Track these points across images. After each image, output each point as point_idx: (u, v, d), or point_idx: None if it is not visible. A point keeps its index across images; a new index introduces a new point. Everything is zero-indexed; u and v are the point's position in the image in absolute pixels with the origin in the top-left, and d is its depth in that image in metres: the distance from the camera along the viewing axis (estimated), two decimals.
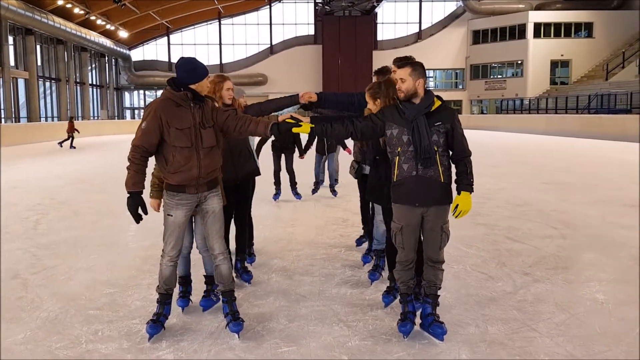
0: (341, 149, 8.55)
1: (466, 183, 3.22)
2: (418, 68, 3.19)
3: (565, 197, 8.28)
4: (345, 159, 7.49)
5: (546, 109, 31.72)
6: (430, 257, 3.30)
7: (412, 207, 3.21)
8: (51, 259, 5.07)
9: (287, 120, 3.21)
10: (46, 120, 31.11)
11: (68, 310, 3.75)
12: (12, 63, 27.08)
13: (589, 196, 8.35)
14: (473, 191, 3.23)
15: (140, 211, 3.13)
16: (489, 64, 40.77)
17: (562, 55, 37.60)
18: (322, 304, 3.84)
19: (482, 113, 41.53)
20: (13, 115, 26.84)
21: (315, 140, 8.01)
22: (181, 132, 3.08)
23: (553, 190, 9.06)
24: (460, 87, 42.95)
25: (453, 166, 3.30)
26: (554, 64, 38.20)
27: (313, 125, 3.25)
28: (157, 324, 3.28)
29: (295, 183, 8.12)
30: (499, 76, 40.63)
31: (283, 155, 8.03)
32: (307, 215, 7.15)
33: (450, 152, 3.27)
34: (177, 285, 3.71)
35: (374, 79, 4.20)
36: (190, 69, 3.13)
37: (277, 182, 8.07)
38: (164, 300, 3.39)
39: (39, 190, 9.71)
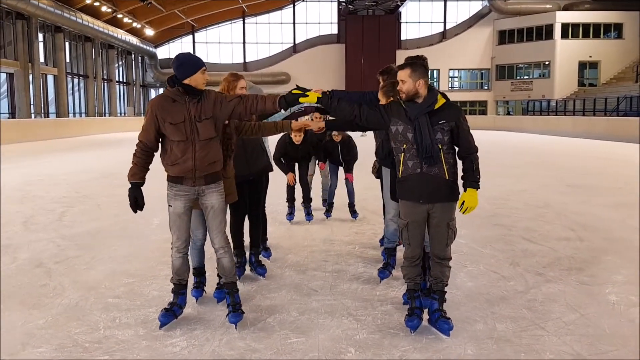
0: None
1: (472, 180, 3.23)
2: (418, 68, 3.23)
3: (587, 200, 8.17)
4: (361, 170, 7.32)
5: (573, 111, 31.16)
6: (437, 254, 3.33)
7: (417, 203, 3.26)
8: (74, 250, 5.25)
9: (293, 91, 3.28)
10: (74, 116, 31.86)
11: (88, 298, 3.90)
12: (41, 60, 27.80)
13: (610, 199, 8.23)
14: (479, 188, 3.24)
15: (137, 202, 3.30)
16: (515, 65, 40.24)
17: (590, 56, 36.89)
18: (333, 298, 3.91)
19: (508, 114, 41.00)
20: (42, 111, 27.56)
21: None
22: (175, 126, 3.21)
23: (574, 192, 8.95)
24: (486, 87, 42.48)
25: (460, 162, 3.33)
26: (582, 65, 37.49)
27: (320, 95, 3.32)
28: (169, 313, 3.40)
29: (310, 199, 6.55)
30: (526, 77, 40.06)
31: (297, 166, 6.53)
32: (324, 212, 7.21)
33: (457, 149, 3.30)
34: (192, 276, 3.84)
35: (380, 80, 4.24)
36: (179, 64, 3.24)
37: (291, 199, 6.47)
38: (178, 290, 3.50)
39: (65, 183, 10.00)
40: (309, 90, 3.34)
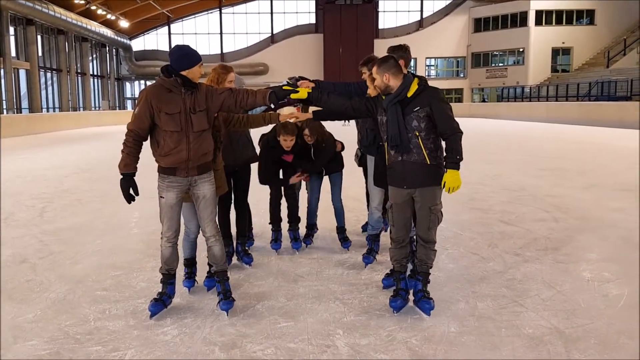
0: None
1: (451, 161, 3.24)
2: (383, 63, 3.32)
3: (560, 183, 8.41)
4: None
5: (547, 97, 31.75)
6: (421, 236, 3.44)
7: (400, 188, 3.38)
8: (57, 245, 5.24)
9: (283, 87, 3.33)
10: (47, 111, 31.25)
11: (76, 291, 3.92)
12: (13, 54, 27.16)
13: (583, 181, 8.49)
14: (459, 168, 3.25)
15: (132, 192, 3.29)
16: (490, 52, 40.72)
17: (563, 42, 37.55)
18: (320, 283, 4.00)
19: (483, 101, 41.53)
20: (15, 106, 26.97)
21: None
22: (170, 117, 3.22)
23: (548, 176, 9.20)
24: (462, 75, 42.92)
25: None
26: (556, 52, 38.16)
27: (310, 90, 3.38)
28: (159, 303, 3.45)
29: (298, 219, 4.96)
30: (500, 64, 40.58)
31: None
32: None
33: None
34: (183, 267, 3.89)
35: (361, 71, 4.28)
36: (180, 55, 3.25)
37: (276, 219, 4.86)
38: (167, 280, 3.55)
39: (43, 179, 9.87)
40: (299, 87, 3.41)
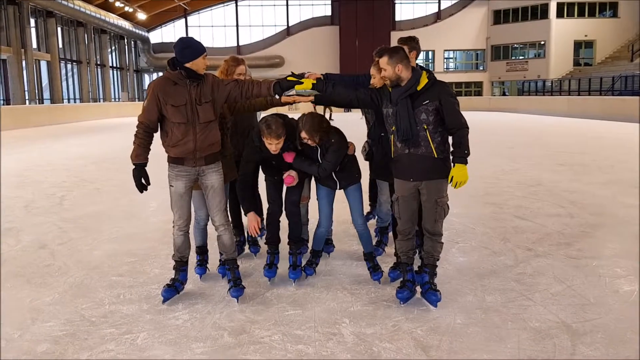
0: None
1: (459, 155, 3.26)
2: (395, 54, 3.29)
3: (578, 178, 8.32)
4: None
5: (569, 91, 31.23)
6: (427, 229, 3.46)
7: (407, 181, 3.39)
8: (76, 232, 5.37)
9: (288, 78, 3.36)
10: (68, 102, 31.74)
11: (92, 276, 4.03)
12: (34, 45, 27.61)
13: (601, 177, 8.38)
14: (467, 163, 3.27)
15: (143, 181, 3.39)
16: (510, 45, 40.16)
17: (585, 35, 36.85)
18: (329, 274, 4.05)
19: (503, 95, 41.02)
20: (37, 97, 27.45)
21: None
22: (176, 108, 3.30)
23: (567, 171, 9.10)
24: (481, 68, 42.43)
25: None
26: (578, 45, 37.47)
27: (315, 82, 3.40)
28: (171, 289, 3.54)
29: (301, 241, 4.13)
30: (521, 57, 40.01)
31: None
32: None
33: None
34: (196, 254, 3.97)
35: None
36: (183, 48, 3.30)
37: (272, 238, 4.00)
38: (179, 267, 3.63)
39: (63, 169, 10.08)
40: (304, 77, 3.43)
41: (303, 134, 3.59)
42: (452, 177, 3.26)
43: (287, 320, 3.22)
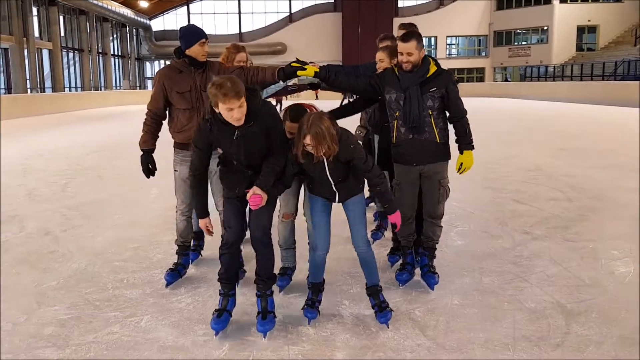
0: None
1: (467, 142, 3.42)
2: (420, 39, 3.35)
3: (577, 163, 8.35)
4: None
5: (571, 76, 31.08)
6: (429, 211, 3.51)
7: (409, 166, 3.43)
8: (79, 219, 5.44)
9: (292, 64, 3.40)
10: (70, 91, 31.73)
11: (96, 262, 4.10)
12: (36, 34, 27.55)
13: (600, 161, 8.40)
14: (474, 148, 3.44)
15: (150, 167, 3.52)
16: (512, 30, 39.86)
17: (589, 20, 36.53)
18: (329, 258, 4.07)
19: (505, 80, 40.81)
20: (38, 86, 27.46)
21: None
22: (181, 95, 3.40)
23: (566, 155, 9.12)
24: (483, 54, 42.18)
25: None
26: (581, 30, 37.18)
27: (318, 70, 3.41)
28: (174, 273, 3.61)
29: (272, 278, 3.08)
30: (524, 43, 39.74)
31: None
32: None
33: (447, 114, 3.45)
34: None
35: (378, 44, 4.32)
36: (181, 36, 3.40)
37: (228, 276, 3.04)
38: (182, 251, 3.70)
39: (65, 157, 10.14)
40: (308, 64, 3.46)
41: (308, 140, 2.74)
42: (462, 163, 3.40)
43: (287, 303, 3.29)
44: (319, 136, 2.71)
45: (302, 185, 3.38)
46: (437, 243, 3.62)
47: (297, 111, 3.12)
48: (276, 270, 3.23)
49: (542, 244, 4.36)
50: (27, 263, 4.11)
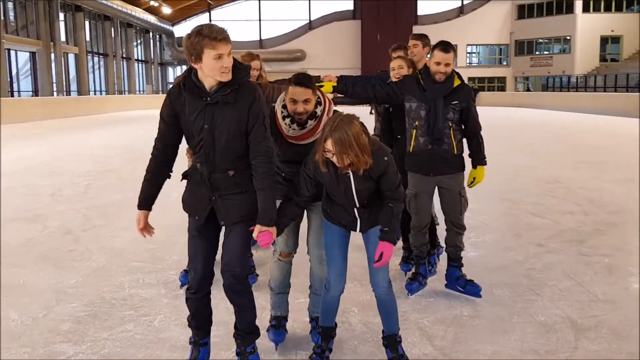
0: None
1: (481, 158, 3.53)
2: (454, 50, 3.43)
3: (597, 175, 8.25)
4: None
5: (594, 87, 30.67)
6: (453, 222, 3.53)
7: (426, 176, 3.46)
8: (99, 219, 5.58)
9: None
10: (95, 94, 32.37)
11: (114, 261, 4.21)
12: (62, 39, 28.20)
13: (620, 175, 8.29)
14: (487, 164, 3.53)
15: None
16: (534, 40, 39.52)
17: (612, 30, 36.03)
18: None
19: (527, 90, 40.42)
20: (64, 89, 28.08)
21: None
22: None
23: (586, 168, 9.02)
24: (505, 63, 41.86)
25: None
26: (604, 40, 36.70)
27: (335, 84, 3.46)
28: (189, 274, 3.67)
29: (254, 332, 2.65)
30: (545, 52, 39.36)
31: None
32: None
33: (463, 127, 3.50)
34: None
35: (391, 55, 4.32)
36: None
37: (199, 324, 2.64)
38: None
39: (89, 158, 10.38)
40: (323, 80, 3.52)
41: (329, 145, 2.32)
42: (474, 178, 3.50)
43: (297, 308, 3.34)
44: (344, 143, 2.27)
45: (305, 215, 2.85)
46: (463, 249, 3.64)
47: (305, 76, 2.62)
48: (265, 320, 2.90)
49: (556, 257, 4.33)
50: (49, 260, 4.24)
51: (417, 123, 3.42)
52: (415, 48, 4.09)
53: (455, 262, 3.59)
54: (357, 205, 2.55)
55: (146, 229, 2.60)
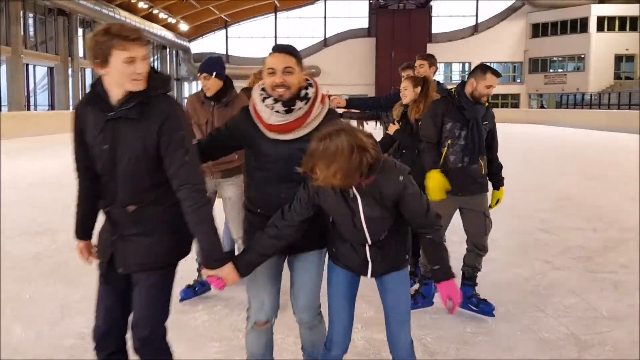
0: None
1: (502, 178, 3.60)
2: None
3: (607, 193, 8.17)
4: None
5: (608, 105, 30.47)
6: (476, 243, 3.49)
7: (453, 195, 3.40)
8: None
9: None
10: None
11: None
12: (80, 54, 28.80)
13: (631, 192, 8.19)
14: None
15: None
16: (548, 58, 39.44)
17: (627, 49, 35.85)
18: None
19: (541, 107, 40.24)
20: None
21: None
22: (197, 126, 3.51)
23: (597, 185, 8.94)
24: (519, 80, 41.77)
25: None
26: (619, 58, 36.51)
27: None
28: (189, 289, 3.71)
29: None
30: (560, 70, 39.24)
31: None
32: None
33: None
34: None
35: (402, 74, 4.38)
36: None
37: None
38: (200, 269, 3.80)
39: None
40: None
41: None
42: (498, 199, 3.57)
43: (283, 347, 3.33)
44: (328, 156, 1.80)
45: (287, 261, 2.27)
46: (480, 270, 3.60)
47: (286, 45, 2.20)
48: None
49: (562, 274, 4.29)
50: (57, 274, 4.29)
51: (449, 142, 3.38)
52: (422, 68, 4.14)
53: (469, 280, 3.57)
54: (369, 242, 2.04)
55: (92, 255, 2.19)
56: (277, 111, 2.06)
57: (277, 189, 2.11)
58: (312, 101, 2.12)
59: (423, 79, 3.87)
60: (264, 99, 2.10)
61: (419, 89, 3.78)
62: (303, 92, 2.11)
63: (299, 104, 2.08)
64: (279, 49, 2.12)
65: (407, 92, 3.82)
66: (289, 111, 2.06)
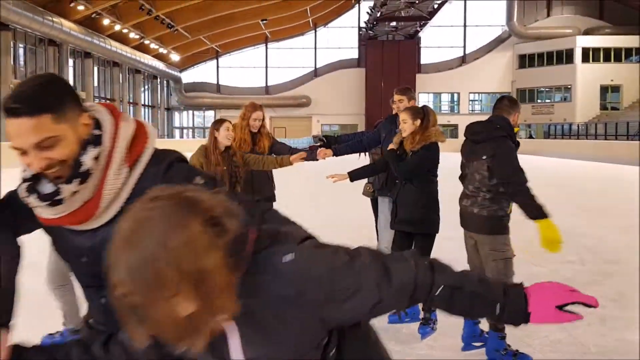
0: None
1: None
2: None
3: (596, 222, 8.20)
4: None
5: (595, 135, 30.91)
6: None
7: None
8: None
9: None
10: None
11: None
12: (70, 84, 28.87)
13: (620, 222, 8.23)
14: None
15: None
16: (535, 88, 40.17)
17: (612, 80, 36.66)
18: None
19: (530, 137, 40.77)
20: None
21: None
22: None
23: (585, 215, 8.96)
24: None
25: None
26: (604, 89, 37.27)
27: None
28: None
29: None
30: (547, 101, 39.93)
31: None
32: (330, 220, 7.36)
33: None
34: None
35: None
36: None
37: None
38: None
39: None
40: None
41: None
42: None
43: None
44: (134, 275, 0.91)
45: None
46: None
47: (22, 96, 1.24)
48: None
49: None
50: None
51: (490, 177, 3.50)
52: (401, 103, 4.09)
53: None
54: None
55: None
56: (41, 205, 1.29)
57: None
58: (104, 170, 1.30)
59: (423, 109, 3.70)
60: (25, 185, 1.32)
61: (418, 122, 3.63)
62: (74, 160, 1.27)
63: (73, 184, 1.25)
64: (10, 111, 1.22)
65: (407, 126, 3.61)
66: (56, 203, 1.25)
